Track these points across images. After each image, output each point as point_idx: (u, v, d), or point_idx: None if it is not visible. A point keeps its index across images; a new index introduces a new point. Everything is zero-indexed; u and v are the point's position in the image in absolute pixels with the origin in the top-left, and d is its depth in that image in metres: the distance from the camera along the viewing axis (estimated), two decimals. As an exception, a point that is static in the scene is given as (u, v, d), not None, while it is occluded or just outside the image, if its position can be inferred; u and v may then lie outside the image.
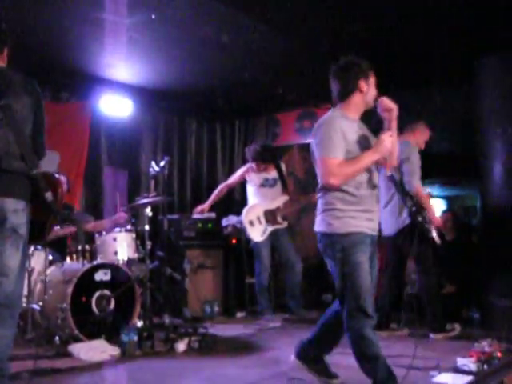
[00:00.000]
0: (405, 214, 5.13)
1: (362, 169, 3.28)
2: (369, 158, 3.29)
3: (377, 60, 3.62)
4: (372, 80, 3.48)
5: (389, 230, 5.30)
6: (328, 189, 3.33)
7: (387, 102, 3.40)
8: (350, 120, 3.42)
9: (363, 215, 3.27)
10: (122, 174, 7.48)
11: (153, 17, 5.20)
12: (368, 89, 3.44)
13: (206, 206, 6.66)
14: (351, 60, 3.52)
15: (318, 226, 3.40)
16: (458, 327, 5.13)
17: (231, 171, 7.90)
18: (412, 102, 6.40)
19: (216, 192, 6.81)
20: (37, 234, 3.00)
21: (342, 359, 3.99)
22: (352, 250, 3.20)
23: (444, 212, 7.30)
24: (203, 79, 6.97)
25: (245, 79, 6.77)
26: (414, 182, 5.10)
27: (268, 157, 6.51)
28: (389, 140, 3.34)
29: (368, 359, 3.29)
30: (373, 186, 3.37)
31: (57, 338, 4.78)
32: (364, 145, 3.36)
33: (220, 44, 5.73)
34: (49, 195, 2.95)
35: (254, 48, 5.98)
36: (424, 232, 5.03)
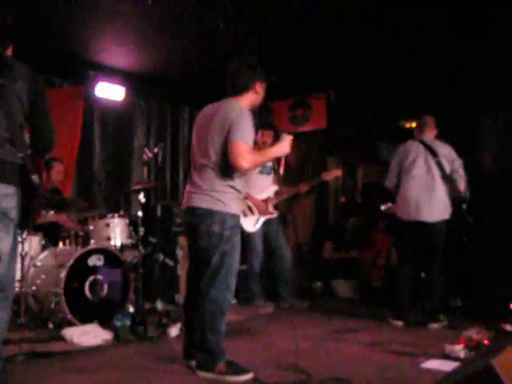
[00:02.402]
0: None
1: (265, 161, 3.95)
2: (273, 153, 3.73)
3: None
4: (264, 85, 3.77)
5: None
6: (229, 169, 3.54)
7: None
8: None
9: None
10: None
11: (149, 2, 5.20)
12: (261, 92, 3.76)
13: None
14: (255, 60, 3.77)
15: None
16: (444, 318, 5.19)
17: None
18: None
19: None
20: (24, 218, 3.00)
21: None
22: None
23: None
24: (197, 66, 6.97)
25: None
26: None
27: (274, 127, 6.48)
28: (289, 142, 3.66)
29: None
30: None
31: (50, 322, 4.81)
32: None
33: (215, 30, 5.73)
34: (35, 178, 2.94)
35: (249, 34, 5.99)
36: None
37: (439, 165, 5.20)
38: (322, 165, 8.13)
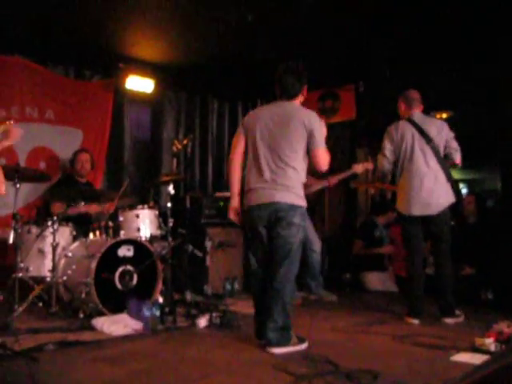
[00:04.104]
0: None
1: None
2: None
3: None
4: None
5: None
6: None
7: None
8: None
9: None
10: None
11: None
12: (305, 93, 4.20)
13: None
14: (302, 67, 4.14)
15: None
16: (460, 313, 5.05)
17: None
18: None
19: None
20: None
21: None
22: None
23: (467, 195, 7.27)
24: (226, 58, 6.98)
25: (268, 58, 6.76)
26: None
27: None
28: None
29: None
30: None
31: (81, 312, 4.88)
32: None
33: (244, 22, 5.73)
34: None
35: (279, 27, 5.97)
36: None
37: (434, 149, 5.02)
38: (351, 157, 8.08)
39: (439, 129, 5.12)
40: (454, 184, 5.10)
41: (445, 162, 5.08)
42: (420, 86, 5.35)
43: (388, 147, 5.23)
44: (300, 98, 4.15)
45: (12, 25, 5.84)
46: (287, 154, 3.94)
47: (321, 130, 3.99)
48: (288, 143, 3.94)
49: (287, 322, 3.90)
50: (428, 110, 5.31)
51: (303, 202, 4.01)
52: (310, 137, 3.93)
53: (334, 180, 6.38)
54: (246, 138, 4.16)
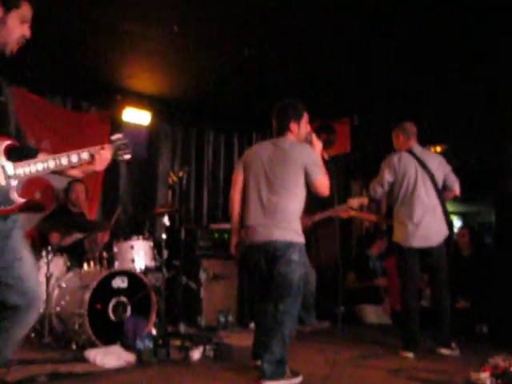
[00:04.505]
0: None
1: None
2: (320, 157, 4.20)
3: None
4: (306, 117, 4.31)
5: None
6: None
7: None
8: None
9: None
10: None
11: (174, 27, 5.29)
12: (296, 128, 4.22)
13: None
14: (294, 102, 4.28)
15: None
16: (455, 346, 4.99)
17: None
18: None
19: None
20: None
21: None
22: None
23: (461, 228, 7.30)
24: (222, 91, 7.05)
25: (263, 91, 6.85)
26: None
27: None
28: (315, 137, 4.30)
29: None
30: None
31: (73, 343, 4.84)
32: None
33: (240, 56, 5.81)
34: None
35: (275, 60, 6.05)
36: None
37: (434, 183, 5.08)
38: (345, 190, 8.10)
39: (439, 163, 5.20)
40: (447, 217, 5.15)
41: (442, 195, 5.14)
42: (414, 118, 5.40)
43: (387, 178, 5.21)
44: (294, 132, 4.22)
45: (12, 56, 5.89)
46: (283, 191, 4.02)
47: (316, 160, 4.06)
48: (283, 181, 4.04)
49: (284, 355, 3.90)
50: (422, 143, 5.34)
51: (302, 239, 4.04)
52: (306, 171, 4.01)
53: (323, 216, 6.38)
54: (245, 175, 4.25)
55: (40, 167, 2.56)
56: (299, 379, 3.92)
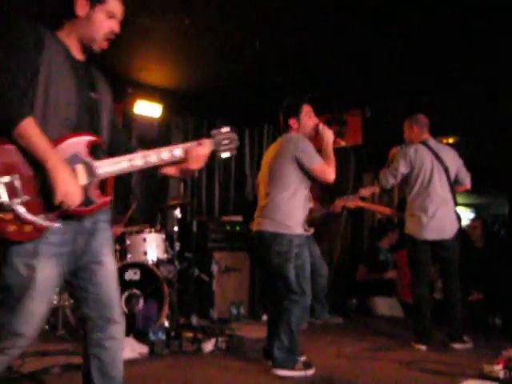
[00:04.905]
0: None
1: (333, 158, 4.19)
2: (328, 146, 4.21)
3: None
4: (306, 111, 4.35)
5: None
6: None
7: None
8: None
9: None
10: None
11: (186, 20, 5.28)
12: (296, 123, 4.28)
13: None
14: (284, 102, 4.38)
15: None
16: (468, 339, 4.99)
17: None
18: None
19: None
20: None
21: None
22: None
23: (473, 219, 7.27)
24: (234, 83, 7.04)
25: (275, 84, 6.83)
26: None
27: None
28: (324, 128, 4.32)
29: None
30: None
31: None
32: None
33: (251, 48, 5.79)
34: None
35: (286, 53, 6.03)
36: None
37: (448, 176, 5.09)
38: (357, 182, 8.08)
39: (453, 156, 5.21)
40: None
41: (454, 188, 5.13)
42: (426, 110, 5.37)
43: (401, 170, 5.15)
44: (295, 127, 4.30)
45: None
46: (273, 183, 4.16)
47: (304, 148, 4.09)
48: (274, 172, 4.17)
49: (294, 344, 3.96)
50: (434, 135, 5.31)
51: (291, 230, 4.06)
52: (298, 161, 4.07)
53: (339, 207, 6.34)
54: (260, 173, 4.49)
55: (125, 165, 2.48)
56: (311, 371, 3.93)
